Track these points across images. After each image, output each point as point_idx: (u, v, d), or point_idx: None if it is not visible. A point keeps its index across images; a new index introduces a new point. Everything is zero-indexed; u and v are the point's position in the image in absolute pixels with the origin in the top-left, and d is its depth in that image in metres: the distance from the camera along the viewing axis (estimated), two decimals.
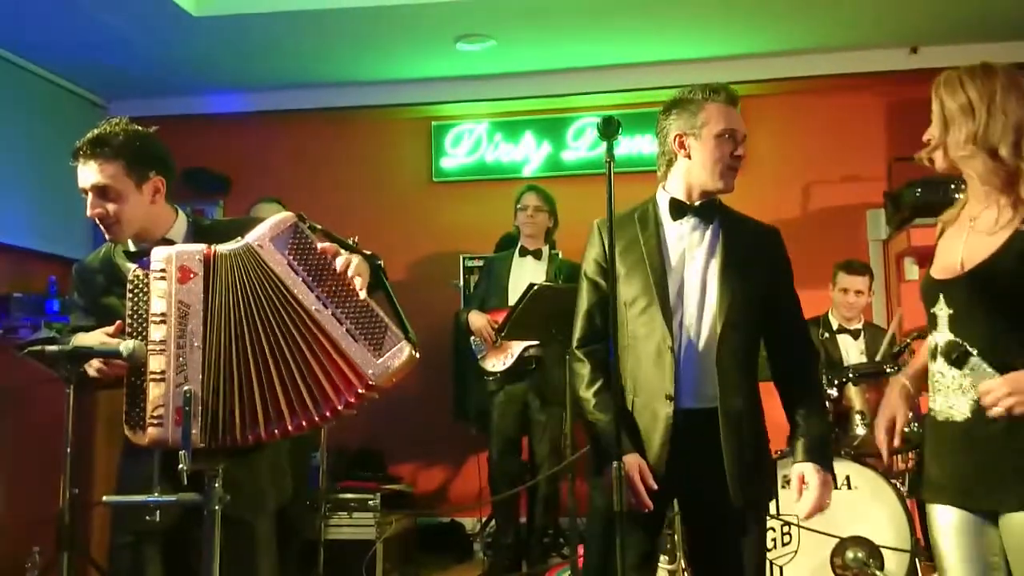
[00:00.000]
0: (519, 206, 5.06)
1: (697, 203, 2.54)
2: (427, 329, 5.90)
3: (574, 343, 2.61)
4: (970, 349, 2.14)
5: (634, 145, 6.07)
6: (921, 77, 5.70)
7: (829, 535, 3.83)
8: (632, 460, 2.36)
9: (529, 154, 6.22)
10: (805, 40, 5.65)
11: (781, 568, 3.93)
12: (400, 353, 2.19)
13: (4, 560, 3.43)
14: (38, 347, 2.27)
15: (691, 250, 2.52)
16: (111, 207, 2.44)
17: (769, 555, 3.94)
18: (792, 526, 3.92)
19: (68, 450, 2.36)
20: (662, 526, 2.60)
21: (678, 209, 2.54)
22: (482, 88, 6.15)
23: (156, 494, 2.13)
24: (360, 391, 2.16)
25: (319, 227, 2.31)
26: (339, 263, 2.18)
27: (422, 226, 6.26)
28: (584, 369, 2.55)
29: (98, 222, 2.47)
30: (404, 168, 6.40)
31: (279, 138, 6.43)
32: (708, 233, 2.53)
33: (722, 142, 2.50)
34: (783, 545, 3.94)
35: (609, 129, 2.45)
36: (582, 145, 6.14)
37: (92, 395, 3.59)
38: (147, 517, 2.15)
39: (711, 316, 2.45)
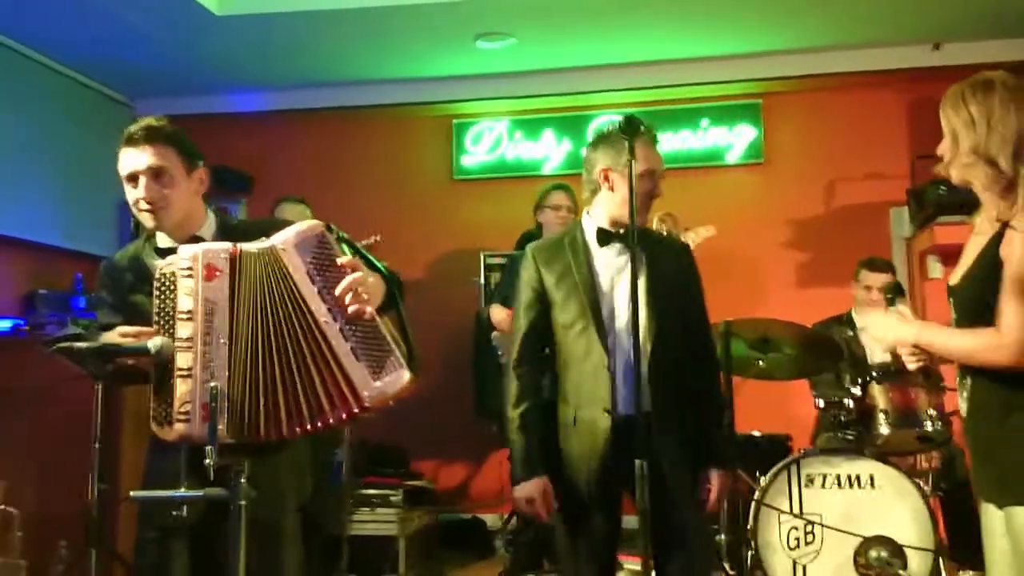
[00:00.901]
0: (548, 204, 5.04)
1: (620, 230, 2.75)
2: (448, 327, 6.01)
3: (511, 363, 2.81)
4: None
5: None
6: (944, 74, 5.72)
7: (852, 534, 3.81)
8: (536, 486, 2.69)
9: (549, 152, 6.22)
10: (826, 37, 5.63)
11: (804, 567, 3.92)
12: (398, 380, 2.20)
13: (32, 555, 3.47)
14: (66, 344, 2.28)
15: (619, 274, 2.75)
16: (164, 191, 2.46)
17: (792, 554, 3.93)
18: (815, 525, 3.91)
19: (96, 446, 2.39)
20: (619, 511, 2.77)
21: (604, 237, 2.77)
22: (502, 86, 6.16)
23: (183, 489, 2.16)
24: (354, 410, 2.17)
25: (346, 237, 2.33)
26: (349, 280, 2.19)
27: (443, 224, 6.28)
28: (513, 388, 2.77)
29: (146, 207, 2.46)
30: (425, 166, 6.42)
31: (301, 137, 6.46)
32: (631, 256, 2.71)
33: (642, 181, 2.69)
34: (806, 544, 3.93)
35: (631, 128, 2.51)
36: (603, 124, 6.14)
37: (119, 391, 3.63)
38: (174, 512, 2.18)
39: (642, 333, 2.61)
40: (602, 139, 2.81)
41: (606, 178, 2.76)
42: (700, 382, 2.83)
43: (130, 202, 2.51)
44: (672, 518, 2.62)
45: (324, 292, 2.21)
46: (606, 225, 2.79)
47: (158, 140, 2.46)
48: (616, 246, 2.76)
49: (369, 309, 2.20)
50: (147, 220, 2.50)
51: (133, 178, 2.47)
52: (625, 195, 2.63)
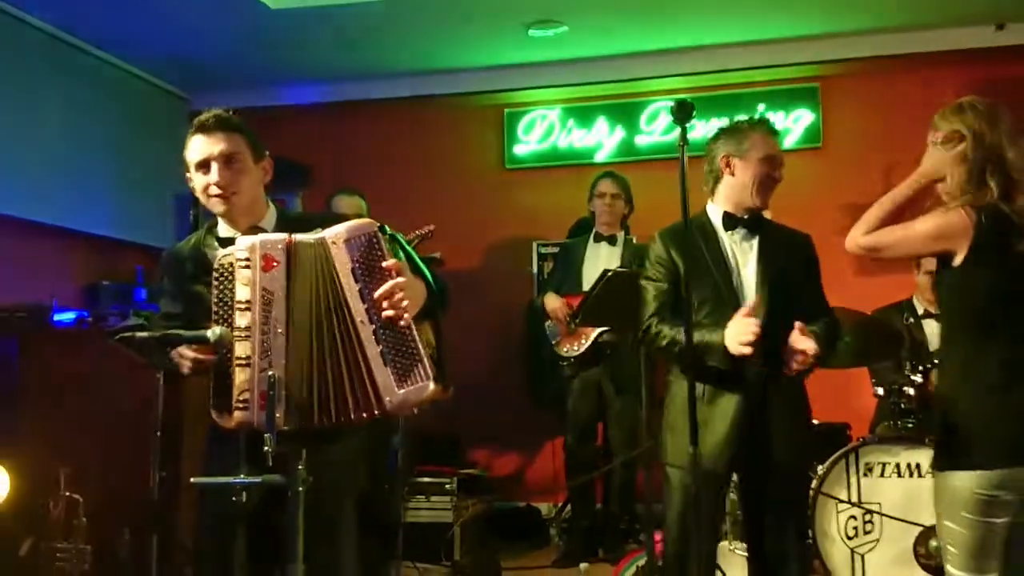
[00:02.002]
0: (595, 192, 5.05)
1: (745, 216, 2.98)
2: (502, 315, 6.02)
3: (649, 323, 2.95)
4: None
5: (709, 128, 5.97)
6: (1008, 54, 5.60)
7: (912, 523, 3.75)
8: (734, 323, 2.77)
9: (602, 139, 6.18)
10: (885, 18, 5.51)
11: (863, 557, 3.87)
12: (421, 391, 2.23)
13: (97, 541, 3.55)
14: (128, 334, 2.33)
15: (743, 256, 2.96)
16: (236, 176, 2.48)
17: (851, 543, 3.88)
18: (874, 514, 3.85)
19: (158, 433, 2.43)
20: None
21: (730, 221, 2.98)
22: (554, 74, 6.14)
23: (242, 476, 2.19)
24: (374, 413, 2.20)
25: (401, 238, 2.34)
26: (390, 285, 2.21)
27: (495, 213, 6.29)
28: (665, 326, 2.91)
29: (217, 192, 2.48)
30: (477, 155, 6.42)
31: (355, 128, 6.50)
32: (755, 242, 2.98)
33: (762, 164, 2.95)
34: (865, 533, 3.87)
35: (683, 113, 2.65)
36: (656, 129, 6.08)
37: (181, 380, 3.69)
38: (233, 498, 2.21)
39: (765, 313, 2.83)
40: (723, 131, 3.06)
41: (727, 164, 2.98)
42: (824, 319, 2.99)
43: (198, 189, 2.52)
44: (774, 482, 2.87)
45: (365, 292, 2.23)
46: (731, 210, 2.99)
47: (229, 127, 2.50)
48: (742, 231, 2.97)
49: (405, 316, 2.21)
50: (217, 206, 2.51)
51: (204, 164, 2.49)
52: (746, 181, 2.94)
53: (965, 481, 2.41)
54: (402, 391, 2.21)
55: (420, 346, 2.24)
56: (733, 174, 2.97)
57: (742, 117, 2.84)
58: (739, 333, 2.73)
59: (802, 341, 2.76)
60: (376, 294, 2.22)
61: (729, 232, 2.98)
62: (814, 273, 3.06)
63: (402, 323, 2.22)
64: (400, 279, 2.24)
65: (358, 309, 2.22)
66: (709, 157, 3.04)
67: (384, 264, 2.25)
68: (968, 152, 2.51)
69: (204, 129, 2.49)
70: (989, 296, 2.49)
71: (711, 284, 2.89)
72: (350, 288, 2.23)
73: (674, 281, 2.92)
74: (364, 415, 2.21)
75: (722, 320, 2.81)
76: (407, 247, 2.37)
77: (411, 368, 2.22)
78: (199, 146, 2.49)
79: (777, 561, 2.92)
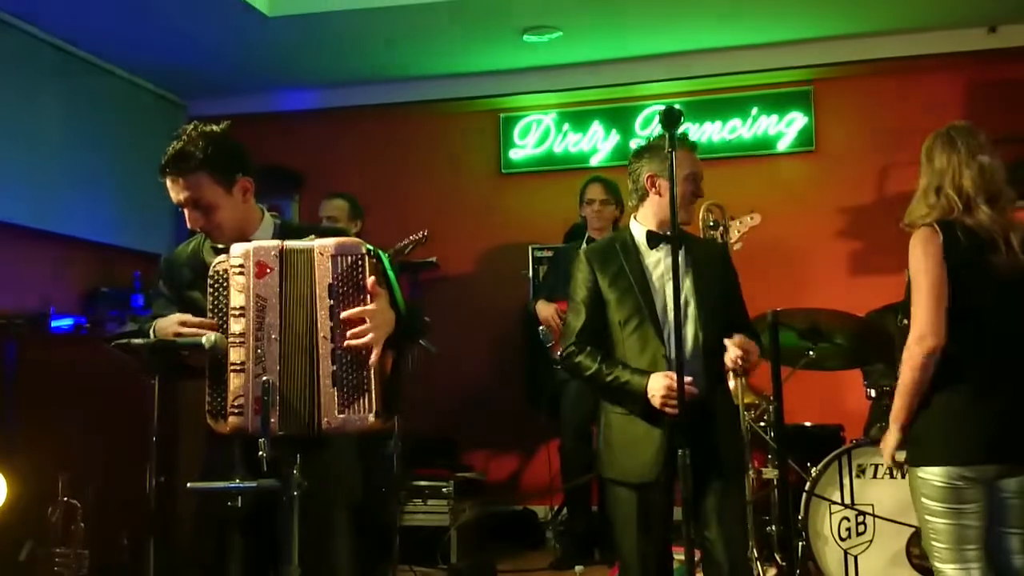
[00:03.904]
0: (585, 199, 5.08)
1: (668, 233, 2.89)
2: (497, 320, 6.05)
3: (564, 351, 2.99)
4: None
5: (704, 132, 6.02)
6: (1000, 57, 5.63)
7: (905, 524, 3.78)
8: (659, 376, 2.79)
9: (597, 144, 6.21)
10: (878, 22, 5.53)
11: (856, 558, 3.89)
12: (360, 422, 2.24)
13: (95, 545, 3.57)
14: (124, 340, 2.35)
15: (668, 273, 2.88)
16: (208, 216, 2.50)
17: (844, 544, 3.91)
18: (867, 516, 3.88)
19: (154, 439, 2.45)
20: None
21: (653, 239, 2.96)
22: (550, 79, 6.16)
23: (238, 480, 2.21)
24: (307, 431, 2.22)
25: (387, 262, 2.33)
26: (359, 310, 2.23)
27: (491, 218, 6.31)
28: (586, 357, 2.92)
29: (199, 230, 2.54)
30: (473, 160, 6.45)
31: (351, 134, 6.53)
32: (679, 258, 2.84)
33: (686, 183, 2.93)
34: (858, 535, 3.90)
35: (671, 119, 2.61)
36: (651, 133, 6.11)
37: (177, 386, 3.71)
38: (229, 503, 2.23)
39: (692, 326, 2.89)
40: (646, 149, 3.04)
41: (653, 184, 2.98)
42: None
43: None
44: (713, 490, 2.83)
45: (335, 309, 2.25)
46: (655, 227, 2.98)
47: (190, 168, 2.46)
48: (664, 248, 2.95)
49: (363, 341, 2.22)
50: (207, 236, 2.57)
51: (179, 205, 2.52)
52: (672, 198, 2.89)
53: (932, 474, 2.62)
54: (342, 416, 2.23)
55: (374, 377, 2.24)
56: (660, 194, 2.96)
57: (659, 115, 2.70)
58: (664, 396, 2.74)
59: (744, 343, 2.82)
60: (343, 315, 2.24)
61: (653, 249, 2.97)
62: (734, 283, 3.07)
63: (362, 352, 2.23)
64: (371, 307, 2.25)
65: (324, 324, 2.25)
66: (633, 175, 3.04)
67: (366, 286, 2.25)
68: (921, 177, 2.84)
69: (164, 174, 2.49)
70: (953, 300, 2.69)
71: (633, 303, 2.90)
72: (322, 302, 2.25)
73: (598, 302, 2.95)
74: (301, 431, 2.22)
75: (645, 338, 2.86)
76: (390, 273, 2.37)
77: (358, 396, 2.23)
78: (169, 188, 2.51)
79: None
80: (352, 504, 2.63)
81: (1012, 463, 2.61)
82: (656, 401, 2.76)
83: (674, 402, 2.69)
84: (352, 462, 2.65)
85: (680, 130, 2.78)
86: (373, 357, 2.24)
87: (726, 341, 2.81)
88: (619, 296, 2.92)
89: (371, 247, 2.32)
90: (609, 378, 2.86)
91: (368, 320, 2.24)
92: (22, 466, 3.59)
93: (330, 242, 2.29)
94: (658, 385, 2.76)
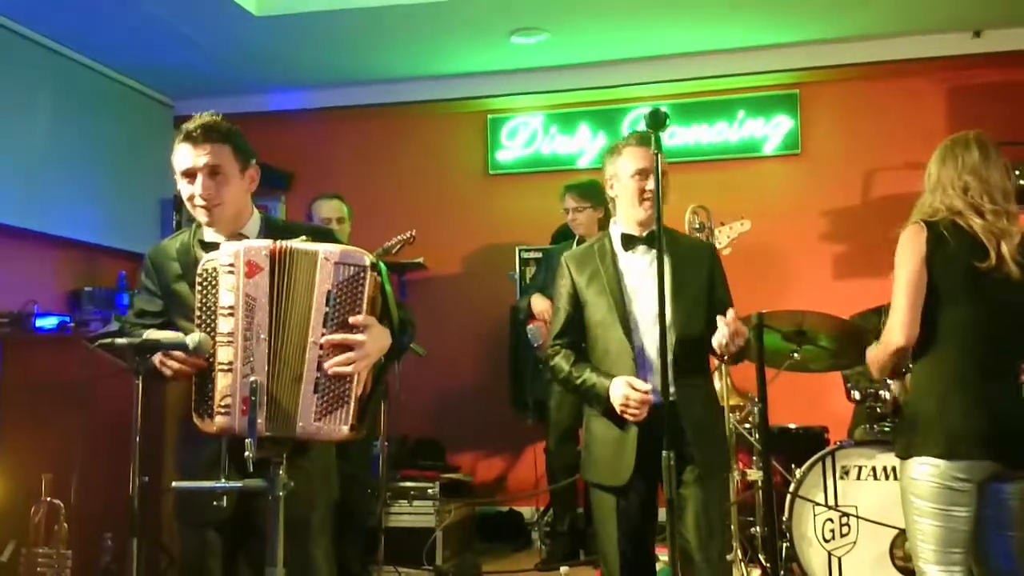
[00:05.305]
0: (563, 207, 5.08)
1: (644, 234, 2.95)
2: (484, 320, 6.05)
3: (547, 347, 3.04)
4: None
5: (690, 135, 6.04)
6: (985, 61, 5.66)
7: (888, 526, 3.80)
8: (619, 382, 2.78)
9: (584, 145, 6.23)
10: (864, 26, 5.57)
11: (840, 560, 3.91)
12: (333, 432, 2.24)
13: (79, 545, 3.55)
14: (107, 340, 2.33)
15: (644, 273, 2.91)
16: (220, 188, 2.49)
17: (828, 546, 3.93)
18: (851, 517, 3.89)
19: (137, 439, 2.43)
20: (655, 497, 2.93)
21: (629, 241, 2.97)
22: (537, 81, 6.18)
23: (223, 480, 2.20)
24: (282, 435, 2.22)
25: (385, 277, 2.33)
26: (352, 320, 2.24)
27: (478, 219, 6.32)
28: (562, 360, 2.97)
29: (201, 203, 2.50)
30: (461, 161, 6.45)
31: (338, 134, 6.53)
32: (654, 258, 2.84)
33: (636, 179, 2.92)
34: (842, 536, 3.92)
35: (656, 121, 2.61)
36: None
37: (162, 385, 3.70)
38: (214, 503, 2.22)
39: (668, 327, 2.75)
40: (606, 152, 3.08)
41: (611, 187, 3.02)
42: None
43: (184, 197, 2.54)
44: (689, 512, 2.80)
45: (329, 318, 2.24)
46: (629, 229, 2.99)
47: (216, 138, 2.49)
48: (640, 248, 2.96)
49: (347, 370, 2.22)
50: (201, 215, 2.53)
51: (190, 174, 2.50)
52: (627, 199, 2.95)
53: (924, 472, 2.60)
54: (316, 424, 2.22)
55: (354, 391, 2.24)
56: (618, 195, 3.00)
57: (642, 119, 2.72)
58: (623, 403, 2.75)
59: (735, 323, 2.73)
60: (332, 338, 2.24)
61: (630, 251, 2.96)
62: (719, 282, 3.03)
63: (345, 367, 2.23)
64: (360, 337, 2.25)
65: (316, 329, 2.24)
66: (603, 183, 3.09)
67: (363, 301, 2.26)
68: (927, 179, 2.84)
69: (190, 138, 2.49)
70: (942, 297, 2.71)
71: (605, 305, 2.91)
72: (318, 307, 2.25)
73: (577, 305, 2.98)
74: (278, 432, 2.21)
75: (615, 340, 2.86)
76: (388, 287, 2.37)
77: (336, 408, 2.23)
78: (185, 155, 2.50)
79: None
80: (329, 504, 2.62)
81: (1007, 463, 2.59)
82: (617, 407, 2.77)
83: (634, 408, 2.73)
84: (330, 463, 2.63)
85: (641, 127, 2.79)
86: (356, 378, 2.24)
87: (719, 319, 2.72)
88: (593, 299, 2.95)
89: (374, 259, 2.31)
90: (578, 381, 2.90)
91: (355, 349, 2.24)
92: (5, 466, 3.57)
93: (336, 249, 2.28)
94: (618, 393, 2.77)
